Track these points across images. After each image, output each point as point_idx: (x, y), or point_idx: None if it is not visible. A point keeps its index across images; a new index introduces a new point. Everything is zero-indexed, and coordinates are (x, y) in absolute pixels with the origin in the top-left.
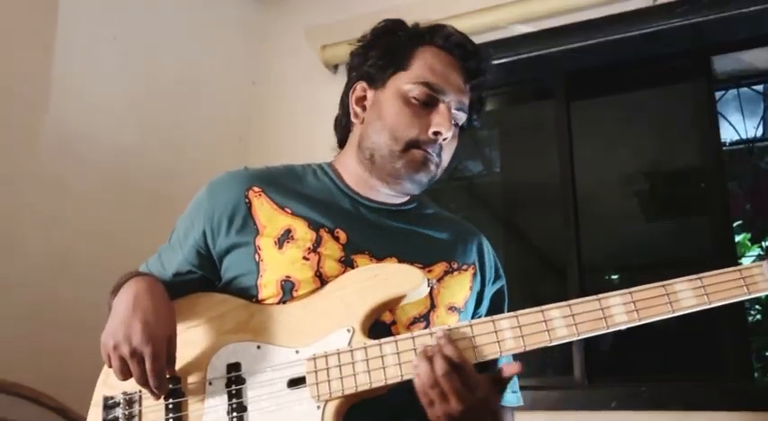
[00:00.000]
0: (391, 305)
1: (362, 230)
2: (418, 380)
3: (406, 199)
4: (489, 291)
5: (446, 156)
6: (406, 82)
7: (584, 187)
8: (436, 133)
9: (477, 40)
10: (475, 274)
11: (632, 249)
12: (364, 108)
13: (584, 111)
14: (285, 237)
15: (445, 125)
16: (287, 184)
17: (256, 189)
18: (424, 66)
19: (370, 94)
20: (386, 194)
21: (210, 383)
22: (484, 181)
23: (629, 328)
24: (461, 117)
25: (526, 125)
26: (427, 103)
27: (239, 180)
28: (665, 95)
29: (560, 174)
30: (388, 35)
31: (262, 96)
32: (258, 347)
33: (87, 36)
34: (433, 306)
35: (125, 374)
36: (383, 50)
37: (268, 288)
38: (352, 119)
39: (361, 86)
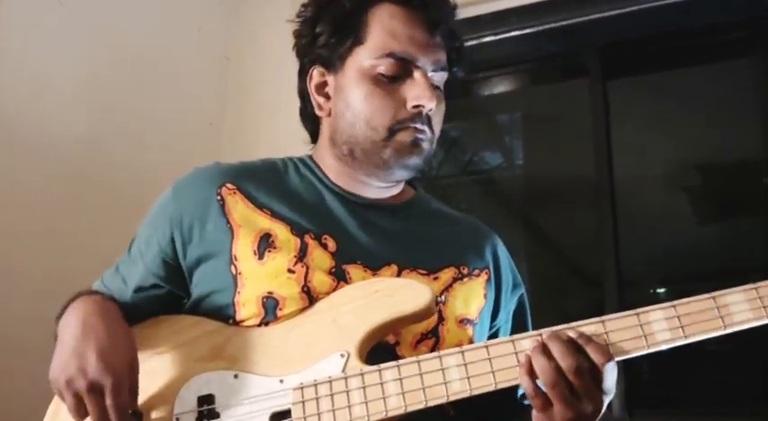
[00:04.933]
0: (395, 327)
1: (354, 235)
2: (528, 380)
3: (402, 191)
4: (507, 301)
5: (437, 126)
6: (368, 57)
7: (624, 183)
8: (417, 107)
9: (496, 6)
10: (489, 280)
11: (681, 257)
12: (328, 97)
13: (623, 92)
14: (265, 245)
15: (426, 95)
16: (265, 181)
17: (230, 186)
18: (382, 32)
19: (330, 79)
20: (377, 187)
21: (178, 419)
22: (503, 175)
23: (677, 352)
24: (442, 77)
25: (554, 109)
26: (398, 76)
27: (210, 176)
28: (720, 73)
29: (595, 167)
30: (331, 3)
31: (237, 74)
32: (235, 376)
33: None
34: (441, 319)
35: (82, 414)
36: (330, 24)
37: (247, 307)
38: (317, 112)
39: (317, 72)
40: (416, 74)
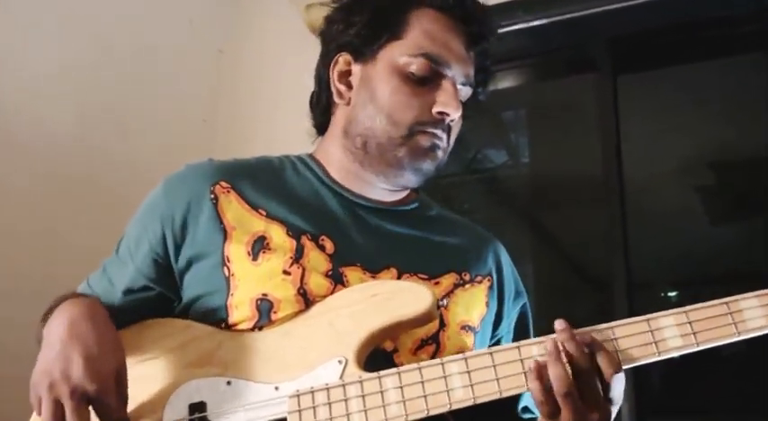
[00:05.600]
0: (394, 331)
1: (353, 237)
2: (538, 386)
3: (405, 195)
4: (510, 310)
5: (453, 138)
6: (402, 54)
7: (634, 181)
8: (442, 113)
9: None
10: (491, 288)
11: (694, 258)
12: (350, 86)
13: (633, 87)
14: (260, 247)
15: (452, 104)
16: (261, 180)
17: (224, 184)
18: (421, 32)
19: (356, 68)
20: (381, 189)
21: None
22: (508, 173)
23: (689, 358)
24: (467, 92)
25: (561, 104)
26: (428, 79)
27: (203, 173)
28: (735, 67)
29: (603, 165)
30: None
31: (231, 68)
32: (228, 383)
33: None
34: (442, 325)
35: None
36: (369, 15)
37: (240, 309)
38: (336, 99)
39: (344, 59)
40: (446, 81)
